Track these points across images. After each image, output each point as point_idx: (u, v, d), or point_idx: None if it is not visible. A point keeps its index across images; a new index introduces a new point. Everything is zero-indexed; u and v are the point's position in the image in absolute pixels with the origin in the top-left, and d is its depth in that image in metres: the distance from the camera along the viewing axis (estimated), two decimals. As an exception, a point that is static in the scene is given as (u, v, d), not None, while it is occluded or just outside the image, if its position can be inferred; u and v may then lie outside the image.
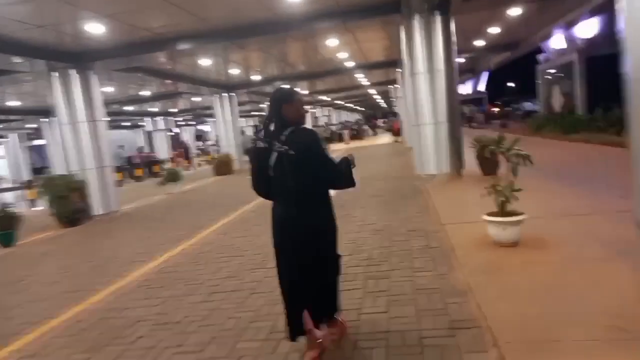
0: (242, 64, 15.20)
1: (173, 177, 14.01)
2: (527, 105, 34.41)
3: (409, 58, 9.36)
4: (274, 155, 2.74)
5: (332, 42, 12.75)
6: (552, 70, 18.81)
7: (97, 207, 10.52)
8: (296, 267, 2.84)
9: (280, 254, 2.91)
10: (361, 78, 23.68)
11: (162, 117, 29.94)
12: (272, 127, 2.79)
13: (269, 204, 3.00)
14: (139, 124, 32.03)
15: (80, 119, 10.32)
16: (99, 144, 10.61)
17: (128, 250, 6.77)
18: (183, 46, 9.98)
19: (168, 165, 24.55)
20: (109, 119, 27.63)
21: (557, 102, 18.15)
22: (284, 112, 2.77)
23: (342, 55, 15.33)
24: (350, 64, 17.55)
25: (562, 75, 17.39)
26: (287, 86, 3.09)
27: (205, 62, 13.45)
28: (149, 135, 31.91)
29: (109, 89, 16.36)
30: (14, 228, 8.46)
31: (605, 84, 15.36)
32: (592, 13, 14.50)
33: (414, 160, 12.89)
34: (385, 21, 11.41)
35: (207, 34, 9.76)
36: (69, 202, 9.63)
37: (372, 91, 33.64)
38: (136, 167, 21.22)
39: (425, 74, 9.10)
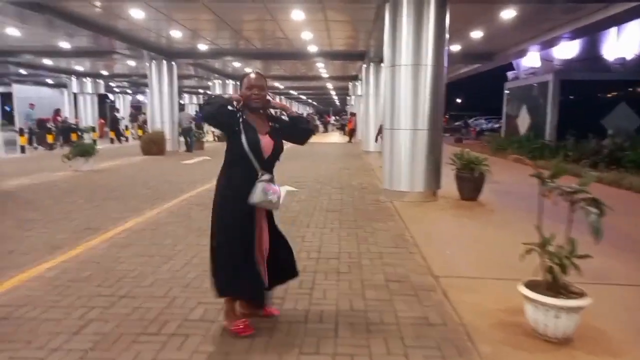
0: (186, 26, 12.78)
1: (83, 151, 11.40)
2: (479, 123, 34.21)
3: (391, 46, 7.64)
4: None
5: (298, 15, 10.77)
6: (517, 89, 18.04)
7: (-37, 179, 7.89)
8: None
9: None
10: (321, 68, 21.84)
11: (91, 79, 26.35)
12: None
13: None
14: (66, 84, 28.08)
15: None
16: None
17: (-35, 259, 4.47)
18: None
19: (92, 136, 21.33)
20: (25, 72, 23.91)
21: (524, 122, 17.36)
22: None
23: (306, 35, 13.39)
24: (312, 48, 15.64)
25: (534, 94, 16.57)
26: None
27: (137, 13, 10.92)
28: (74, 98, 28.04)
29: (13, 31, 13.22)
30: None
31: (579, 109, 14.71)
32: (574, 35, 13.64)
33: (379, 170, 11.32)
34: (364, 5, 9.67)
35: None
36: None
37: (329, 85, 31.93)
38: (48, 132, 17.93)
39: (409, 68, 7.42)
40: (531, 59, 16.41)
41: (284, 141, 2.99)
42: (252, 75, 2.81)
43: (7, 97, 34.10)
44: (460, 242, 5.29)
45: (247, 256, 2.83)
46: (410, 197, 7.57)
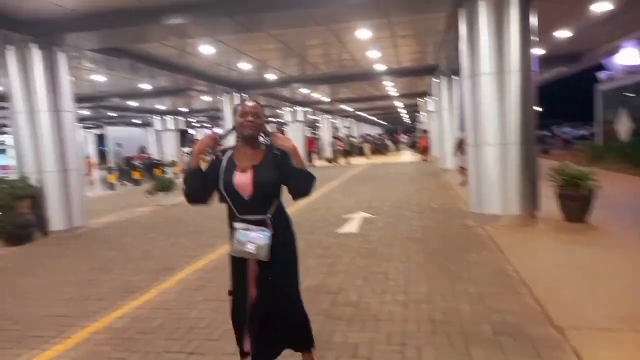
0: (254, 58, 12.94)
1: (163, 186, 11.74)
2: (567, 131, 31.38)
3: (470, 54, 6.93)
4: None
5: (363, 34, 10.39)
6: (614, 91, 16.14)
7: (56, 221, 8.25)
8: None
9: None
10: (389, 87, 21.28)
11: (172, 117, 27.96)
12: None
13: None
14: (150, 122, 30.11)
15: (41, 108, 8.11)
16: (63, 140, 8.36)
17: (43, 304, 4.42)
18: (174, 21, 7.70)
19: (176, 169, 22.42)
20: (115, 114, 25.97)
21: (624, 128, 15.44)
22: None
23: (373, 54, 12.96)
24: (380, 67, 15.18)
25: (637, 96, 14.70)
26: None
27: (208, 50, 11.19)
28: (158, 135, 29.90)
29: (99, 78, 14.24)
30: None
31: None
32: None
33: (461, 189, 10.46)
34: (434, 15, 9.06)
35: (206, 4, 7.46)
36: (13, 213, 7.39)
37: (398, 103, 31.21)
38: (134, 169, 19.03)
39: (493, 76, 6.65)
40: (628, 57, 14.62)
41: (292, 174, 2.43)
42: (248, 103, 2.48)
43: (102, 139, 37.40)
44: (578, 277, 4.40)
45: (235, 314, 2.54)
46: (504, 221, 6.69)
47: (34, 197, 7.93)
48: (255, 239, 2.35)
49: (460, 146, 12.18)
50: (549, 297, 3.83)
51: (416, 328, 3.48)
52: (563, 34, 11.45)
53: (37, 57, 8.04)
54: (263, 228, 2.38)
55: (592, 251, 5.22)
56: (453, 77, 15.44)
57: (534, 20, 6.72)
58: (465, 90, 7.11)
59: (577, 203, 6.55)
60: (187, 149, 27.15)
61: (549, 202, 6.88)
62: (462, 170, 12.20)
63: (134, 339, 3.57)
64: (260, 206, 2.41)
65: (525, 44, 6.59)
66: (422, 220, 7.70)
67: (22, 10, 7.31)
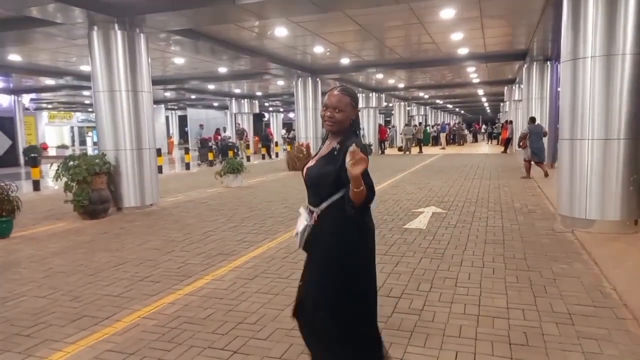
0: (329, 41, 12.55)
1: (233, 168, 11.86)
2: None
3: (572, 34, 6.00)
4: None
5: (447, 13, 9.58)
6: None
7: (129, 197, 8.58)
8: None
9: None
10: (472, 73, 19.93)
11: (247, 100, 28.57)
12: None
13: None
14: (227, 105, 31.04)
15: (119, 87, 8.38)
16: (139, 120, 8.62)
17: (105, 282, 4.46)
18: (249, 0, 7.52)
19: (248, 152, 22.92)
20: (193, 96, 26.99)
21: None
22: None
23: (456, 37, 12.03)
24: (463, 51, 14.13)
25: None
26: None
27: (283, 32, 10.99)
28: (234, 118, 30.75)
29: (179, 60, 14.68)
30: (10, 215, 6.65)
31: None
32: None
33: (548, 186, 9.39)
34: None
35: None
36: (88, 188, 7.74)
37: (480, 91, 29.37)
38: (210, 150, 19.64)
39: (599, 60, 5.70)
40: None
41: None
42: (333, 91, 2.20)
43: (184, 120, 39.36)
44: (699, 305, 3.59)
45: None
46: (599, 227, 5.80)
47: (110, 174, 8.26)
48: (298, 224, 2.25)
49: (523, 140, 11.90)
50: (661, 329, 3.12)
51: (489, 350, 2.97)
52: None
53: (118, 38, 8.29)
54: (307, 216, 2.18)
55: None
56: (546, 63, 13.99)
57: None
58: (563, 76, 6.21)
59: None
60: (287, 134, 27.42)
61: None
62: (525, 163, 12.18)
63: (180, 328, 3.41)
64: (313, 197, 2.21)
65: (641, 24, 5.56)
66: (501, 220, 6.95)
67: (105, -9, 7.53)
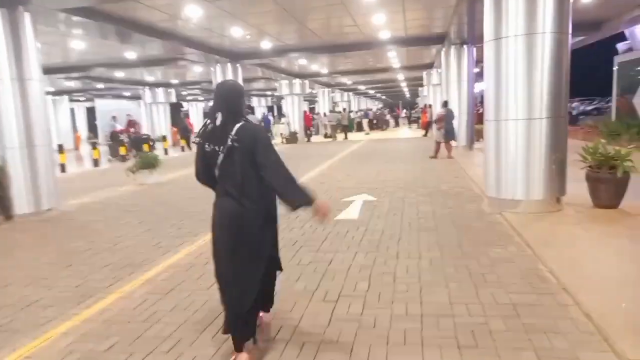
0: (247, 23, 11.82)
1: (147, 163, 10.83)
2: (574, 106, 30.29)
3: (494, 13, 5.94)
4: (222, 155, 2.56)
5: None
6: (632, 63, 15.09)
7: (20, 203, 7.39)
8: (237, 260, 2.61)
9: (220, 245, 2.65)
10: (392, 58, 20.12)
11: (162, 89, 26.77)
12: (218, 122, 2.58)
13: None
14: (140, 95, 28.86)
15: (1, 77, 7.13)
16: (28, 112, 7.42)
17: (-22, 316, 3.61)
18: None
19: (165, 145, 21.39)
20: (102, 85, 24.71)
21: (643, 103, 14.47)
22: (241, 106, 2.66)
23: (378, 19, 11.86)
24: (385, 34, 14.06)
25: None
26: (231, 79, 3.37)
27: (194, 11, 10.09)
28: (149, 108, 28.69)
29: (79, 44, 13.13)
30: None
31: None
32: None
33: (470, 167, 9.58)
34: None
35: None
36: (-32, 195, 6.52)
37: (399, 76, 29.99)
38: (121, 144, 18.00)
39: (520, 39, 5.68)
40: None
41: None
42: None
43: (92, 112, 36.17)
44: (632, 280, 3.58)
45: None
46: (525, 207, 5.85)
47: (-6, 176, 7.05)
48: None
49: (439, 121, 12.88)
50: (601, 310, 3.01)
51: (437, 356, 2.67)
52: (586, -4, 10.36)
53: (-5, 17, 7.03)
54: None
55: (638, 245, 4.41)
56: (463, 46, 14.34)
57: (568, -27, 5.72)
58: (486, 56, 6.14)
59: (610, 187, 5.71)
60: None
61: (571, 185, 6.03)
62: (437, 144, 13.05)
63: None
64: None
65: (561, 1, 5.59)
66: (431, 205, 6.86)
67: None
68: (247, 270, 2.60)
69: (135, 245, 5.43)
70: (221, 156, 2.54)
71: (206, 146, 2.61)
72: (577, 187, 6.03)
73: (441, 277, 3.92)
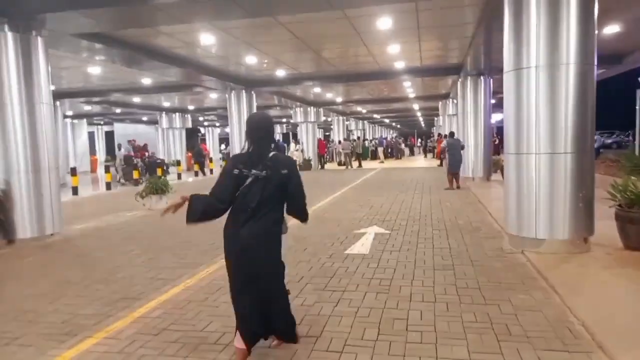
0: (262, 51, 11.83)
1: (156, 188, 10.67)
2: (596, 138, 29.62)
3: (514, 43, 5.68)
4: (250, 179, 2.84)
5: (385, 23, 9.19)
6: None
7: (24, 227, 7.21)
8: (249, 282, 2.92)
9: (248, 269, 2.91)
10: (408, 87, 20.02)
11: (179, 114, 27.09)
12: (252, 149, 2.90)
13: None
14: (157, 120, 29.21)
15: (10, 100, 7.09)
16: (36, 136, 7.33)
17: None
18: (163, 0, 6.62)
19: (179, 169, 21.40)
20: (118, 110, 25.04)
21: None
22: (271, 135, 3.00)
23: (393, 49, 11.75)
24: (399, 64, 13.95)
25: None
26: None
27: (209, 39, 10.12)
28: (165, 134, 28.95)
29: (96, 69, 13.29)
30: None
31: None
32: None
33: (488, 201, 9.13)
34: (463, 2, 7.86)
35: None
36: (-31, 219, 6.37)
37: (415, 106, 29.90)
38: (135, 168, 18.03)
39: (542, 69, 5.40)
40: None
41: None
42: None
43: (111, 135, 36.73)
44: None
45: None
46: (548, 247, 5.43)
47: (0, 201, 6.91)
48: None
49: (443, 152, 13.16)
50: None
51: None
52: (611, 29, 10.09)
53: (9, 42, 7.03)
54: None
55: (680, 297, 3.96)
56: (480, 77, 14.13)
57: (594, 5, 5.46)
58: (506, 87, 5.87)
59: (643, 227, 5.28)
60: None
61: (597, 223, 5.61)
62: (449, 175, 12.87)
63: None
64: None
65: (585, 31, 5.33)
66: (447, 241, 6.47)
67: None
68: (282, 285, 3.01)
69: (133, 277, 5.15)
70: (250, 179, 2.82)
71: (236, 171, 2.85)
72: (603, 225, 5.61)
73: (459, 327, 3.53)
